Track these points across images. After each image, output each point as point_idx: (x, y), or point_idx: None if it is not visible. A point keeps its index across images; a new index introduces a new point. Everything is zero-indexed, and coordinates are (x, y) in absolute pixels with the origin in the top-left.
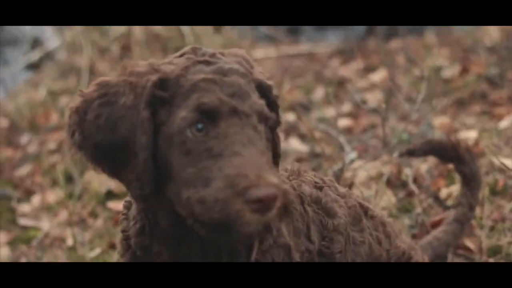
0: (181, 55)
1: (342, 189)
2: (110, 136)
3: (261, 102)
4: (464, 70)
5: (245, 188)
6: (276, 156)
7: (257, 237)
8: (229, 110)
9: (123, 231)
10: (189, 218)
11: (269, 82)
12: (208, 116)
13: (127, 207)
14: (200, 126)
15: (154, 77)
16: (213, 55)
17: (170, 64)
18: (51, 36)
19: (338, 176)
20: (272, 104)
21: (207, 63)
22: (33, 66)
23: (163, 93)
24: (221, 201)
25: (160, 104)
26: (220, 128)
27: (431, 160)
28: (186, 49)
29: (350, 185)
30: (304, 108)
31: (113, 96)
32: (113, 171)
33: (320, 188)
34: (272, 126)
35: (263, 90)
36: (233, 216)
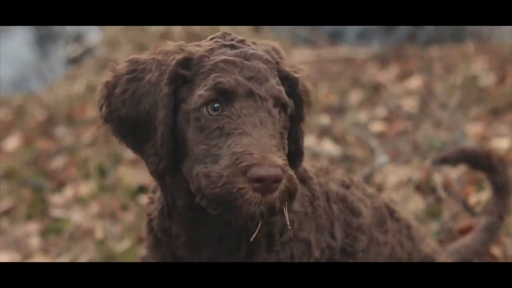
0: (211, 39)
1: (370, 190)
2: (134, 111)
3: (280, 88)
4: (501, 79)
5: (248, 166)
6: (298, 151)
7: (261, 218)
8: (245, 91)
9: (148, 214)
10: (197, 193)
11: (296, 75)
12: (224, 95)
13: (154, 191)
14: (216, 105)
15: (179, 56)
16: (241, 41)
17: (198, 46)
18: (92, 33)
19: (367, 179)
20: (297, 97)
21: (233, 47)
22: (74, 61)
23: (186, 71)
24: (224, 177)
25: (183, 82)
26: (234, 108)
27: (462, 166)
28: (217, 34)
29: (380, 188)
30: (339, 111)
31: (141, 73)
32: (135, 146)
33: (347, 187)
34: (295, 119)
35: (290, 82)
36: (235, 193)
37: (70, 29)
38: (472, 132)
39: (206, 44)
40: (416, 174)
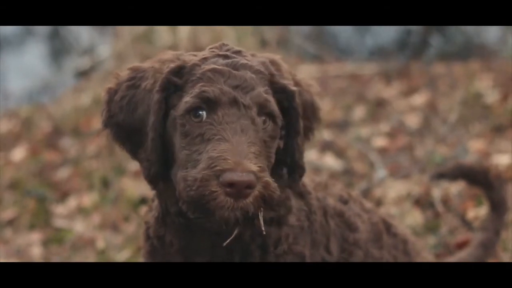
0: (209, 49)
1: (368, 205)
2: (130, 117)
3: (266, 97)
4: (505, 97)
5: (221, 170)
6: (294, 165)
7: (235, 224)
8: (229, 100)
9: (145, 222)
10: (179, 198)
11: (293, 88)
12: (208, 103)
13: (153, 199)
14: (200, 112)
15: (172, 65)
16: (237, 51)
17: (194, 55)
18: (102, 46)
19: (365, 193)
20: (294, 110)
21: (225, 57)
22: (83, 74)
23: (178, 79)
24: (198, 180)
25: (174, 89)
26: (217, 115)
27: (462, 182)
28: (216, 44)
29: (379, 203)
30: (342, 126)
31: (139, 80)
32: (132, 152)
33: (345, 202)
34: (290, 132)
35: (286, 94)
36: (207, 195)
37: (82, 42)
38: (474, 148)
39: (201, 53)
40: (415, 188)
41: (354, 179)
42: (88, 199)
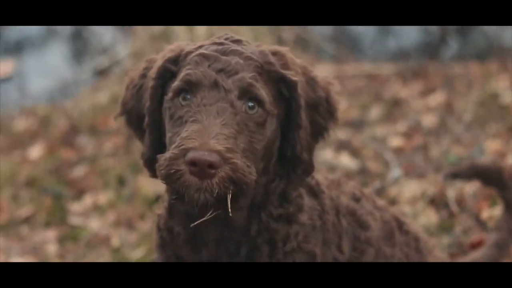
0: (212, 38)
1: (380, 202)
2: (138, 104)
3: (251, 82)
4: None
5: (185, 149)
6: (295, 158)
7: (207, 206)
8: (210, 83)
9: (158, 215)
10: None
11: (294, 78)
12: (191, 86)
13: (165, 195)
14: (188, 96)
15: (170, 53)
16: (236, 40)
17: (195, 44)
18: (120, 45)
19: (379, 192)
20: (294, 101)
21: (220, 44)
22: (101, 73)
23: (174, 67)
24: (167, 159)
25: (170, 76)
26: (196, 98)
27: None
28: (221, 34)
29: (394, 202)
30: (358, 126)
31: (149, 70)
32: (140, 138)
33: (357, 200)
34: (291, 124)
35: (286, 84)
36: (173, 173)
37: (101, 41)
38: (490, 148)
39: (201, 42)
40: (430, 188)
41: (369, 179)
42: (104, 197)
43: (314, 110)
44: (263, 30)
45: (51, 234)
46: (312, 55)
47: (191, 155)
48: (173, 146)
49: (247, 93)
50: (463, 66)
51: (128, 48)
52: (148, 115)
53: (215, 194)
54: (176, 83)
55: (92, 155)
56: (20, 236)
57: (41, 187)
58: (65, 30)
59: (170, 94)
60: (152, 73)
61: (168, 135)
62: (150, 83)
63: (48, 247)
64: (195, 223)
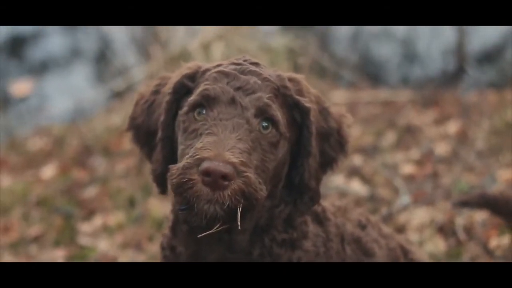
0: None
1: (386, 230)
2: (148, 120)
3: (267, 102)
4: None
5: (200, 159)
6: (302, 185)
7: (216, 219)
8: (227, 99)
9: (162, 234)
10: None
11: (307, 105)
12: (208, 101)
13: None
14: (203, 111)
15: (188, 70)
16: (254, 63)
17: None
18: (137, 68)
19: (386, 219)
20: (306, 128)
21: (238, 64)
22: (117, 95)
23: (190, 83)
24: (180, 169)
25: (186, 92)
26: (213, 112)
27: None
28: (239, 56)
29: (402, 229)
30: (371, 152)
31: (163, 87)
32: (147, 154)
33: (363, 227)
34: (302, 151)
35: (300, 110)
36: (185, 182)
37: (119, 64)
38: (502, 177)
39: (220, 62)
40: (439, 216)
41: (379, 205)
42: (114, 218)
43: (325, 140)
44: (279, 55)
45: (59, 254)
46: (329, 81)
47: (205, 165)
48: (186, 157)
49: (263, 113)
50: (479, 95)
51: (145, 71)
52: (162, 129)
53: (225, 206)
54: (193, 97)
55: (104, 176)
56: (29, 254)
57: (52, 206)
58: (90, 51)
59: (185, 108)
60: (168, 88)
61: (180, 147)
62: (165, 97)
63: None
64: (202, 234)
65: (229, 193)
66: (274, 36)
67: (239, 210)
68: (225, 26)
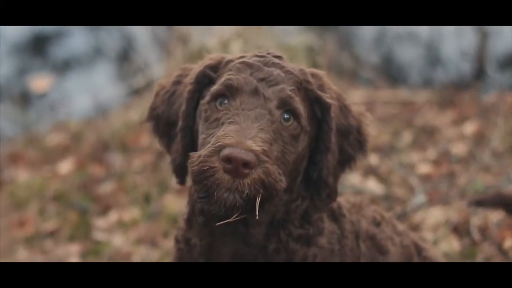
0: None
1: (401, 227)
2: (168, 110)
3: (290, 94)
4: None
5: (222, 146)
6: (320, 181)
7: (235, 208)
8: (250, 89)
9: (177, 228)
10: None
11: (329, 101)
12: (231, 91)
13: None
14: (225, 101)
15: (211, 61)
16: (277, 56)
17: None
18: (157, 65)
19: (401, 218)
20: (326, 124)
21: (262, 56)
22: (136, 92)
23: (213, 73)
24: (202, 156)
25: (208, 83)
26: (235, 102)
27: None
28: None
29: (417, 228)
30: (388, 152)
31: (184, 77)
32: (168, 145)
33: (377, 224)
34: (321, 146)
35: (320, 105)
36: (206, 170)
37: (140, 62)
38: None
39: (244, 54)
40: (454, 215)
41: (394, 204)
42: (129, 213)
43: (344, 138)
44: (298, 53)
45: (74, 248)
46: (347, 80)
47: (227, 151)
48: (207, 145)
49: (285, 105)
50: (498, 96)
51: (164, 68)
52: (183, 119)
53: (244, 195)
54: (215, 87)
55: (120, 172)
56: (44, 249)
57: (67, 201)
58: (112, 50)
59: (207, 98)
60: (190, 78)
61: (201, 136)
62: (187, 87)
63: (70, 261)
64: (220, 223)
65: (249, 182)
66: (293, 35)
67: (258, 199)
68: None
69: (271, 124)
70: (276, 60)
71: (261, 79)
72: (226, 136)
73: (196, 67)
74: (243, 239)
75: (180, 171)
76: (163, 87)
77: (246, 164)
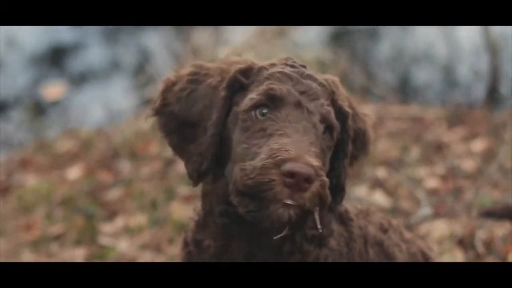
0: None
1: (408, 235)
2: (187, 110)
3: (329, 109)
4: None
5: (283, 160)
6: (338, 187)
7: (288, 222)
8: (294, 102)
9: (184, 231)
10: (232, 190)
11: (348, 110)
12: (273, 101)
13: (196, 209)
14: (264, 111)
15: (241, 65)
16: (302, 65)
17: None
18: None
19: (407, 229)
20: (345, 132)
21: (292, 66)
22: (148, 102)
23: (244, 79)
24: (258, 168)
25: (239, 88)
26: (281, 113)
27: (508, 225)
28: (282, 57)
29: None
30: (397, 166)
31: (203, 77)
32: (178, 144)
33: (385, 231)
34: (339, 153)
35: (341, 115)
36: (265, 183)
37: (154, 73)
38: None
39: (269, 61)
40: (459, 229)
41: (400, 217)
42: (136, 220)
43: (353, 141)
44: (309, 66)
45: (79, 253)
46: (358, 95)
47: (289, 165)
48: (261, 156)
49: (326, 120)
50: (509, 114)
51: None
52: (215, 126)
53: (305, 208)
54: (256, 96)
55: (128, 178)
56: (50, 252)
57: (74, 206)
58: (129, 64)
59: (246, 106)
60: (218, 82)
61: (242, 146)
62: (220, 93)
63: None
64: (276, 237)
65: (308, 195)
66: (305, 48)
67: (317, 212)
68: (255, 35)
69: (317, 138)
70: (307, 71)
71: (302, 92)
72: (285, 150)
73: (220, 70)
74: (258, 242)
75: (204, 175)
76: (174, 83)
77: (307, 179)
